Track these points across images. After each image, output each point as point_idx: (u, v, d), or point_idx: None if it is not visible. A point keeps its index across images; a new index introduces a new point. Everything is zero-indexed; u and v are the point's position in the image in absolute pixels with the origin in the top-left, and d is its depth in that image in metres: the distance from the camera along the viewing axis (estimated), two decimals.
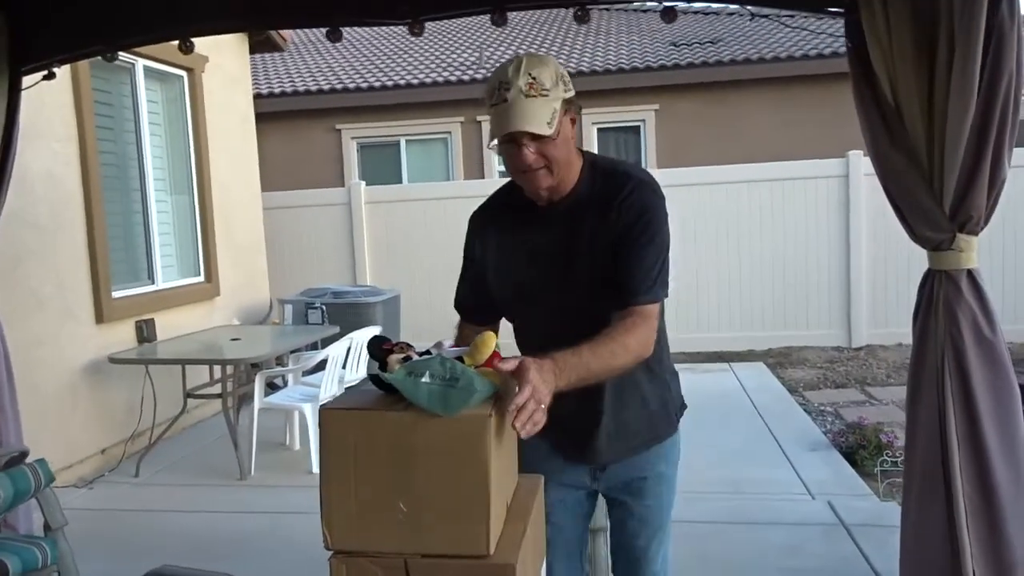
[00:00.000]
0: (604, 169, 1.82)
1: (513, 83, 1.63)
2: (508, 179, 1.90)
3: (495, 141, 1.69)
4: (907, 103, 2.13)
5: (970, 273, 2.16)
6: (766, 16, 9.72)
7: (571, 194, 1.80)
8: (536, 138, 1.65)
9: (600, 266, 1.76)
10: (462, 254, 1.98)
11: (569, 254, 1.79)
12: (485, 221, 1.93)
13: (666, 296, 1.79)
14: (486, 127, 10.23)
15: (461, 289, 1.99)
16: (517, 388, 1.37)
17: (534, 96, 1.63)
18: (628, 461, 1.95)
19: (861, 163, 7.50)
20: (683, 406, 2.05)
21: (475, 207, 1.98)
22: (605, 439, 1.89)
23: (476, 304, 1.95)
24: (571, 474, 1.96)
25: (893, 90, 2.14)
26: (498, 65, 1.71)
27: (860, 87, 2.22)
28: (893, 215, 2.28)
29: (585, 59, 10.50)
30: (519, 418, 1.33)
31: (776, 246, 7.83)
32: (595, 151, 11.27)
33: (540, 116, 1.63)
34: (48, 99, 4.66)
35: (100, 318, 5.08)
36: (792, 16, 9.52)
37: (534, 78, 1.63)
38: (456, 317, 2.01)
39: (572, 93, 1.71)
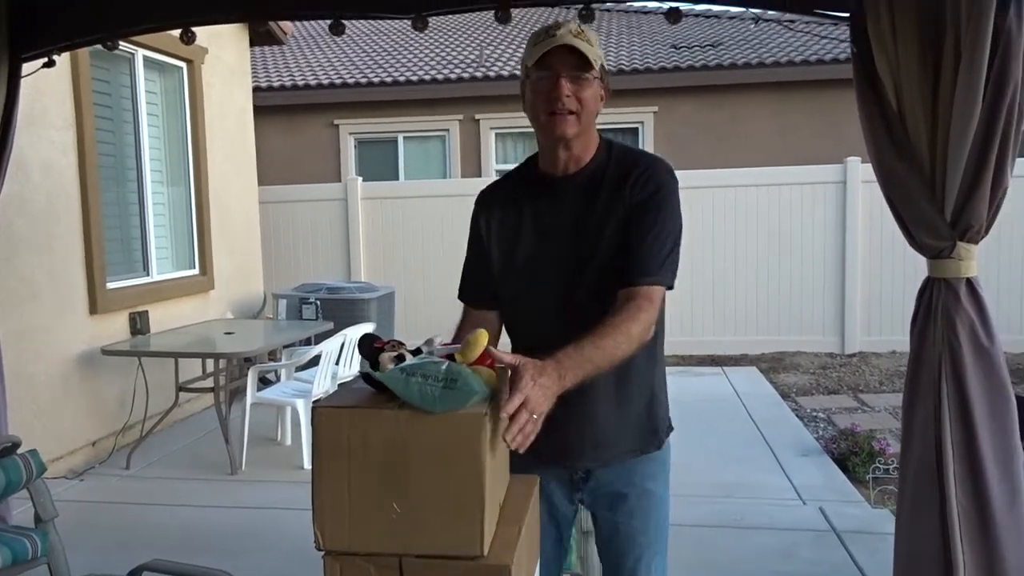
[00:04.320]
0: (620, 149, 1.84)
1: (564, 26, 1.68)
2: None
3: (533, 63, 1.70)
4: (911, 109, 2.12)
5: (969, 282, 2.15)
6: (770, 20, 9.73)
7: (587, 167, 1.79)
8: (575, 79, 1.68)
9: (608, 246, 1.73)
10: (467, 243, 1.93)
11: (579, 229, 1.77)
12: (493, 196, 1.92)
13: (672, 286, 1.73)
14: (485, 125, 10.22)
15: (466, 274, 1.95)
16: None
17: (584, 40, 1.67)
18: (611, 472, 1.86)
19: (859, 170, 7.50)
20: (670, 427, 1.94)
21: (471, 206, 1.95)
22: (585, 436, 1.81)
23: (481, 287, 1.90)
24: (550, 481, 1.86)
25: (897, 96, 2.13)
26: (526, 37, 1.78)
27: (864, 92, 2.20)
28: (888, 223, 2.27)
29: None
30: (510, 430, 1.29)
31: (772, 251, 7.84)
32: None
33: (588, 52, 1.67)
34: (47, 87, 4.64)
35: (94, 309, 5.05)
36: (796, 20, 9.52)
37: (582, 30, 1.69)
38: (454, 314, 1.98)
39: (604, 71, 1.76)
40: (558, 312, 1.75)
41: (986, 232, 2.15)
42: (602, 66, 1.73)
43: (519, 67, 1.83)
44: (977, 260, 2.17)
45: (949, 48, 2.04)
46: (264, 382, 5.71)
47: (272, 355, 5.83)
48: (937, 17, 2.06)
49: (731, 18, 11.84)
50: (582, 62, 1.67)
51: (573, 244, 1.76)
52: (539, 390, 1.35)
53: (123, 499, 4.33)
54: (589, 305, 1.70)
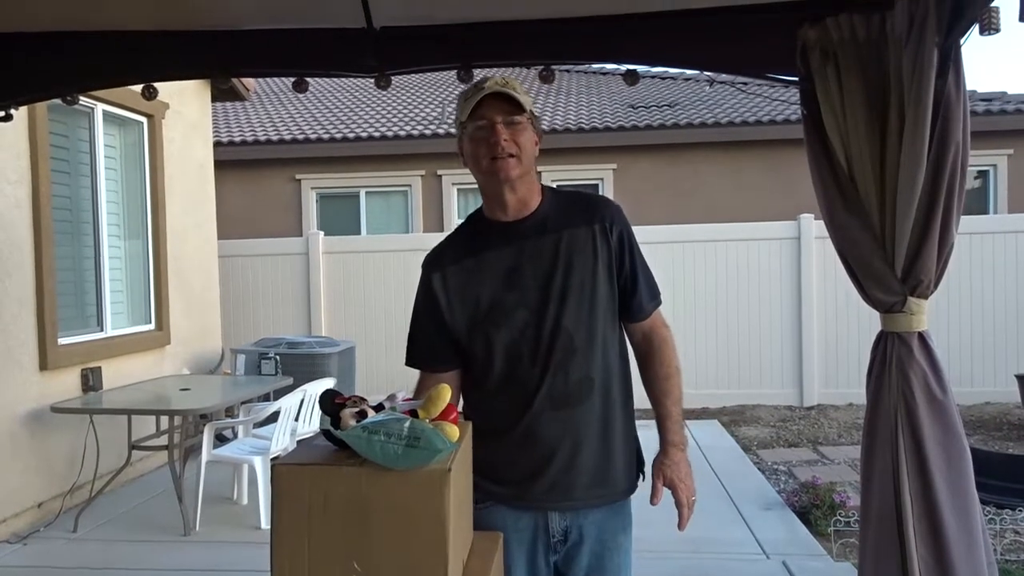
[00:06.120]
0: (564, 193, 1.95)
1: (490, 79, 1.78)
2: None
3: (468, 114, 1.77)
4: (860, 169, 2.19)
5: (921, 335, 2.21)
6: (724, 82, 10.06)
7: (539, 210, 1.86)
8: (510, 124, 1.75)
9: (582, 280, 1.81)
10: (414, 310, 1.94)
11: (548, 268, 1.81)
12: (444, 254, 1.93)
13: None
14: (447, 180, 10.31)
15: (417, 340, 1.95)
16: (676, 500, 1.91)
17: (511, 89, 1.76)
18: (588, 525, 1.88)
19: (812, 226, 7.70)
20: (641, 474, 2.01)
21: None
22: (558, 472, 1.83)
23: (438, 349, 1.90)
24: (537, 545, 1.87)
25: (846, 156, 2.20)
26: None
27: (815, 152, 2.28)
28: (842, 278, 2.34)
29: (546, 118, 10.69)
30: (684, 524, 1.92)
31: (730, 306, 7.95)
32: None
33: (519, 97, 1.76)
34: (1, 141, 4.58)
35: (44, 365, 4.92)
36: (748, 83, 9.85)
37: (507, 80, 1.77)
38: (415, 371, 1.97)
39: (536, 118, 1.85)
40: (532, 350, 1.79)
41: (935, 287, 2.22)
42: (531, 112, 1.80)
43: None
44: (927, 315, 2.23)
45: (894, 111, 2.13)
46: (221, 439, 5.58)
47: (229, 411, 5.72)
48: (882, 82, 2.15)
49: (687, 80, 12.21)
50: (514, 107, 1.76)
51: (543, 282, 1.81)
52: (688, 485, 1.93)
53: (70, 564, 4.16)
54: (560, 339, 1.78)
